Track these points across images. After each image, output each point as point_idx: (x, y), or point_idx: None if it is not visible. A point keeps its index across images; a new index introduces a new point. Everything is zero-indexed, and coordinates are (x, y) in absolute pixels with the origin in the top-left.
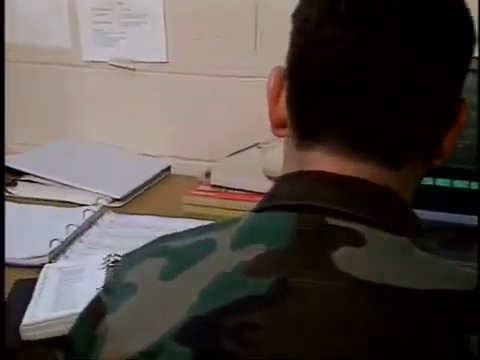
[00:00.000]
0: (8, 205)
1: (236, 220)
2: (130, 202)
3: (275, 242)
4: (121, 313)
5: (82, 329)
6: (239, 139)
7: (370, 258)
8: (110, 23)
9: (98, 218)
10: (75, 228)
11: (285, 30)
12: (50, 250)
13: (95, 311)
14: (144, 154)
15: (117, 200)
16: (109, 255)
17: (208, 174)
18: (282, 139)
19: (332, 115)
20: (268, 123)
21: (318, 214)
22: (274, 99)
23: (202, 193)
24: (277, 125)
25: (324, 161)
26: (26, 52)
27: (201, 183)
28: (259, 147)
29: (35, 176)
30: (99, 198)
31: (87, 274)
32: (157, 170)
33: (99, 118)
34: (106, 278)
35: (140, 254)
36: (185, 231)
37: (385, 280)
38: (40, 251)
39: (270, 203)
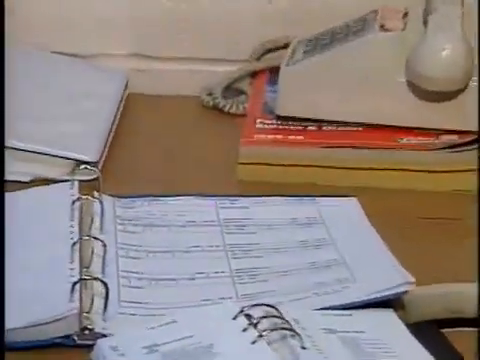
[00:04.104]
0: None
1: None
2: (107, 164)
3: None
4: None
5: None
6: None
7: None
8: None
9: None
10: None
11: None
12: (71, 304)
13: None
14: (69, 54)
15: (89, 164)
16: (241, 311)
17: (229, 90)
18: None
19: None
20: None
21: None
22: None
23: (272, 137)
24: None
25: None
26: None
27: (231, 114)
28: (385, 29)
29: None
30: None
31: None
32: (116, 91)
33: None
34: None
35: None
36: None
37: None
38: (49, 307)
39: None
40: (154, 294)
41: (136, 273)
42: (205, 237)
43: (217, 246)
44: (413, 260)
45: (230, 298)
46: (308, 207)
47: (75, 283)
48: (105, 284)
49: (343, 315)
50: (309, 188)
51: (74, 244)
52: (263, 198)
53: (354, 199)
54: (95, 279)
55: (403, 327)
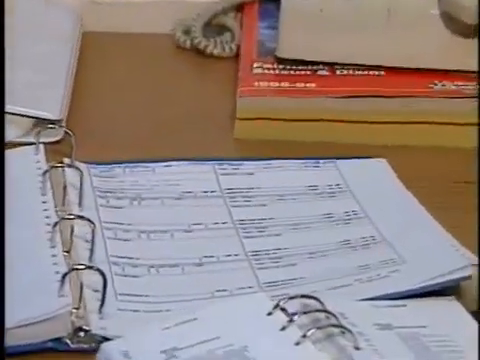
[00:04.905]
0: None
1: None
2: (70, 122)
3: None
4: None
5: None
6: None
7: None
8: None
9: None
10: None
11: None
12: (63, 299)
13: None
14: None
15: (52, 122)
16: (277, 305)
17: (210, 26)
18: None
19: None
20: None
21: None
22: None
23: (276, 85)
24: None
25: None
26: None
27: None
28: None
29: None
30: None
31: None
32: (69, 29)
33: None
34: None
35: None
36: None
37: None
38: (35, 304)
39: None
40: (155, 284)
41: (129, 258)
42: (208, 212)
43: (224, 223)
44: (456, 233)
45: (250, 287)
46: (327, 171)
47: (65, 274)
48: (102, 274)
49: (397, 306)
50: (325, 148)
51: (55, 225)
52: (270, 161)
53: (383, 161)
54: (89, 268)
55: (471, 319)
